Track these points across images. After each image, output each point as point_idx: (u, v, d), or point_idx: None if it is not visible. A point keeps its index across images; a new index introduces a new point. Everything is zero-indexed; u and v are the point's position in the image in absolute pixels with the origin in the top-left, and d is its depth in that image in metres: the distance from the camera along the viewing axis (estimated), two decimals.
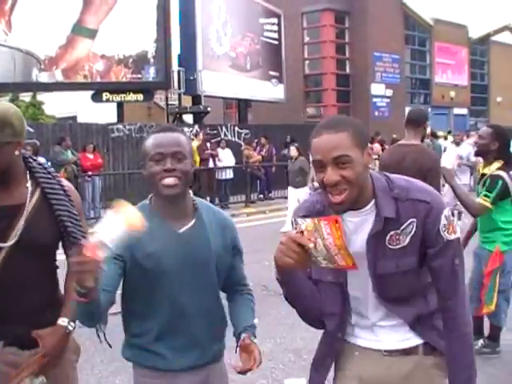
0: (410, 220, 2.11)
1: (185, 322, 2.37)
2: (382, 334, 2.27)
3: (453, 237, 2.15)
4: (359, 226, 2.15)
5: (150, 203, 2.41)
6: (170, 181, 2.23)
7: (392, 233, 2.12)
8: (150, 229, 2.15)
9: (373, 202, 2.12)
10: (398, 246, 2.13)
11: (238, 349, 2.40)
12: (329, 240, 1.93)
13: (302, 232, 1.98)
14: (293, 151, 13.31)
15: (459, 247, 2.22)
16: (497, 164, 4.90)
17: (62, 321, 2.49)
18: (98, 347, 5.85)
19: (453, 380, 2.18)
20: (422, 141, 5.32)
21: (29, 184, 2.43)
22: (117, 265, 2.26)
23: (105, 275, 2.07)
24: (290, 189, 13.09)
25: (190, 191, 2.43)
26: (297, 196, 11.83)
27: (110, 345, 2.61)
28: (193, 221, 2.39)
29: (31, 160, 2.48)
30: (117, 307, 2.43)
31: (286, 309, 6.85)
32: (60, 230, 2.47)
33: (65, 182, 2.54)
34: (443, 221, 2.13)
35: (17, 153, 2.37)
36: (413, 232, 2.12)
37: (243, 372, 2.34)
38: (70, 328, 2.50)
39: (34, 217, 2.41)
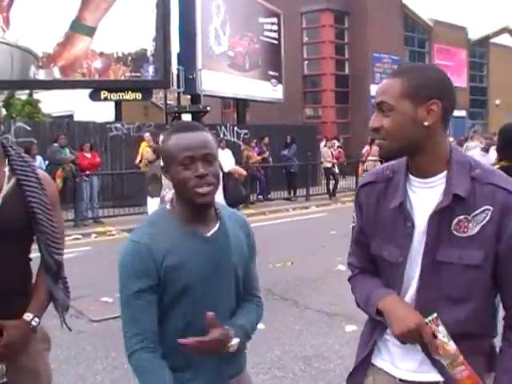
0: (485, 207, 1.83)
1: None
2: (397, 354, 2.02)
3: None
4: (424, 198, 1.92)
5: (173, 208, 2.20)
6: (205, 190, 2.05)
7: (461, 217, 1.86)
8: (180, 237, 2.09)
9: (444, 173, 1.89)
10: (465, 235, 1.85)
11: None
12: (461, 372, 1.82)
13: (435, 336, 1.84)
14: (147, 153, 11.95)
15: None
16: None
17: (27, 316, 2.44)
18: (98, 354, 5.68)
19: None
20: None
21: (6, 169, 2.46)
22: (154, 303, 2.11)
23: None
24: (148, 199, 10.69)
25: None
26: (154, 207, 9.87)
27: (69, 328, 2.66)
28: (218, 223, 2.20)
29: (10, 149, 2.51)
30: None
31: (292, 314, 6.78)
32: (30, 217, 2.47)
33: (40, 171, 2.56)
34: None
35: None
36: (485, 221, 1.83)
37: (189, 346, 1.97)
38: (34, 324, 2.46)
39: (8, 200, 2.43)
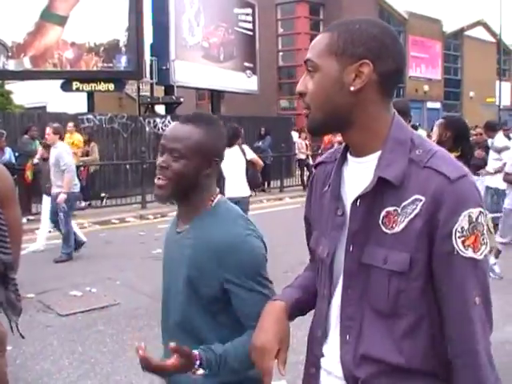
0: (416, 196, 1.45)
1: (164, 331, 2.17)
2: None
3: (469, 254, 1.42)
4: (356, 182, 1.58)
5: None
6: (158, 182, 1.99)
7: (390, 209, 1.48)
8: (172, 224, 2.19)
9: (379, 152, 1.54)
10: (392, 231, 1.48)
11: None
12: None
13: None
14: (41, 150, 10.88)
15: (482, 277, 1.46)
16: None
17: None
18: (65, 349, 5.57)
19: None
20: None
21: None
22: None
23: None
24: (45, 197, 10.22)
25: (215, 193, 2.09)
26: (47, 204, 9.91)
27: (22, 336, 2.56)
28: (189, 225, 2.07)
29: None
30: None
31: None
32: None
33: None
34: (463, 221, 1.41)
35: None
36: (412, 215, 1.45)
37: (146, 365, 1.72)
38: None
39: None
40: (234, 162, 8.04)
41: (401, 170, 1.48)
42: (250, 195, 8.79)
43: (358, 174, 1.58)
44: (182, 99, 20.40)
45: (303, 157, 19.44)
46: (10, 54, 16.66)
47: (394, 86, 1.58)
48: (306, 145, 20.12)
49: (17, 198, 2.84)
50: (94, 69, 18.19)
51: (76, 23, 17.31)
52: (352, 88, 1.49)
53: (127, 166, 16.61)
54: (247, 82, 24.76)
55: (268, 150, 19.72)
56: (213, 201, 2.05)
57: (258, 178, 9.26)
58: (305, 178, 19.41)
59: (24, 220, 13.11)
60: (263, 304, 1.79)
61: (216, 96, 24.38)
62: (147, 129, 17.66)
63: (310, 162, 19.89)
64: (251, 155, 8.76)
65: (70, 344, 5.66)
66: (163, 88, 21.91)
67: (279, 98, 33.15)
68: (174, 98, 20.32)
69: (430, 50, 39.31)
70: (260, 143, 19.78)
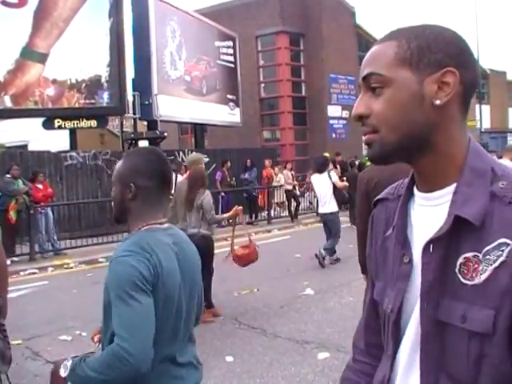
0: (501, 240, 1.15)
1: None
2: None
3: None
4: (427, 223, 1.29)
5: None
6: None
7: (469, 254, 1.19)
8: None
9: (454, 186, 1.25)
10: (472, 282, 1.18)
11: None
12: None
13: None
14: None
15: None
16: None
17: None
18: None
19: None
20: None
21: None
22: None
23: None
24: None
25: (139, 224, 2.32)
26: None
27: None
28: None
29: None
30: None
31: (262, 344, 6.47)
32: None
33: None
34: None
35: None
36: (497, 263, 1.15)
37: None
38: None
39: None
40: (324, 185, 10.76)
41: (481, 206, 1.19)
42: (338, 211, 11.09)
43: (429, 214, 1.30)
44: (165, 134, 20.21)
45: (290, 187, 19.29)
46: None
47: (471, 100, 1.30)
48: (292, 175, 20.01)
49: (0, 242, 2.65)
50: (76, 106, 17.97)
51: (57, 60, 17.11)
52: (438, 102, 1.22)
53: (112, 204, 16.31)
54: (230, 115, 24.71)
55: (255, 181, 19.59)
56: (140, 228, 2.29)
57: (344, 196, 13.82)
58: (292, 209, 19.25)
59: (8, 262, 12.77)
60: (122, 317, 2.03)
61: (199, 129, 24.25)
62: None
63: (297, 192, 19.79)
64: (334, 179, 10.99)
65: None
66: (145, 123, 21.74)
67: (262, 129, 33.09)
68: (157, 132, 20.13)
69: None
70: (246, 175, 19.63)
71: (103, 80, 18.33)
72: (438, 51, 1.22)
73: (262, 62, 32.94)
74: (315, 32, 31.42)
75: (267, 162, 19.98)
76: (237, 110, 25.15)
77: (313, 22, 31.62)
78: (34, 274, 11.76)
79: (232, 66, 25.04)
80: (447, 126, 1.25)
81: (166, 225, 2.37)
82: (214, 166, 19.25)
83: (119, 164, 2.42)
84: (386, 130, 1.25)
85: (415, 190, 1.36)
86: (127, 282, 2.08)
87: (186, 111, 21.61)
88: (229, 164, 19.16)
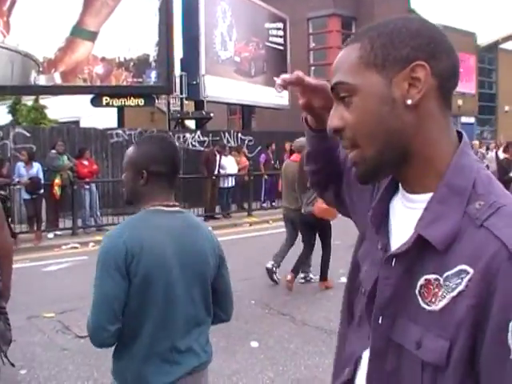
0: (462, 267, 1.04)
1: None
2: None
3: None
4: (405, 218, 1.20)
5: None
6: None
7: (430, 276, 1.09)
8: None
9: (431, 195, 1.15)
10: (429, 307, 1.09)
11: None
12: None
13: None
14: None
15: None
16: None
17: None
18: (81, 374, 5.35)
19: None
20: None
21: None
22: None
23: None
24: None
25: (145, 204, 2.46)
26: None
27: (12, 364, 2.64)
28: None
29: None
30: None
31: (289, 331, 6.44)
32: None
33: None
34: None
35: None
36: (455, 292, 1.05)
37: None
38: None
39: None
40: None
41: (450, 228, 1.08)
42: None
43: (407, 214, 1.20)
44: (211, 114, 20.23)
45: None
46: (41, 69, 16.67)
47: (453, 92, 1.18)
48: None
49: (4, 222, 2.68)
50: (124, 84, 18.13)
51: (106, 38, 17.27)
52: (409, 101, 1.11)
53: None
54: (278, 97, 24.57)
55: None
56: (145, 208, 2.43)
57: None
58: None
59: (51, 235, 13.06)
60: (94, 291, 2.23)
61: (247, 111, 24.21)
62: (177, 144, 17.50)
63: None
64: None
65: (85, 369, 5.45)
66: (193, 103, 21.81)
67: None
68: (204, 112, 20.18)
69: (464, 64, 38.73)
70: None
71: (151, 59, 18.40)
72: (403, 46, 1.12)
73: (312, 45, 32.61)
74: (367, 16, 30.89)
75: None
76: (285, 93, 24.99)
77: (365, 5, 31.09)
78: (75, 248, 11.98)
79: (281, 48, 24.82)
80: (426, 127, 1.13)
81: (176, 208, 2.47)
82: (260, 148, 19.20)
83: (131, 150, 2.50)
84: (363, 142, 1.15)
85: (400, 186, 1.25)
86: (102, 260, 2.27)
87: (234, 92, 21.53)
88: (273, 147, 19.08)
